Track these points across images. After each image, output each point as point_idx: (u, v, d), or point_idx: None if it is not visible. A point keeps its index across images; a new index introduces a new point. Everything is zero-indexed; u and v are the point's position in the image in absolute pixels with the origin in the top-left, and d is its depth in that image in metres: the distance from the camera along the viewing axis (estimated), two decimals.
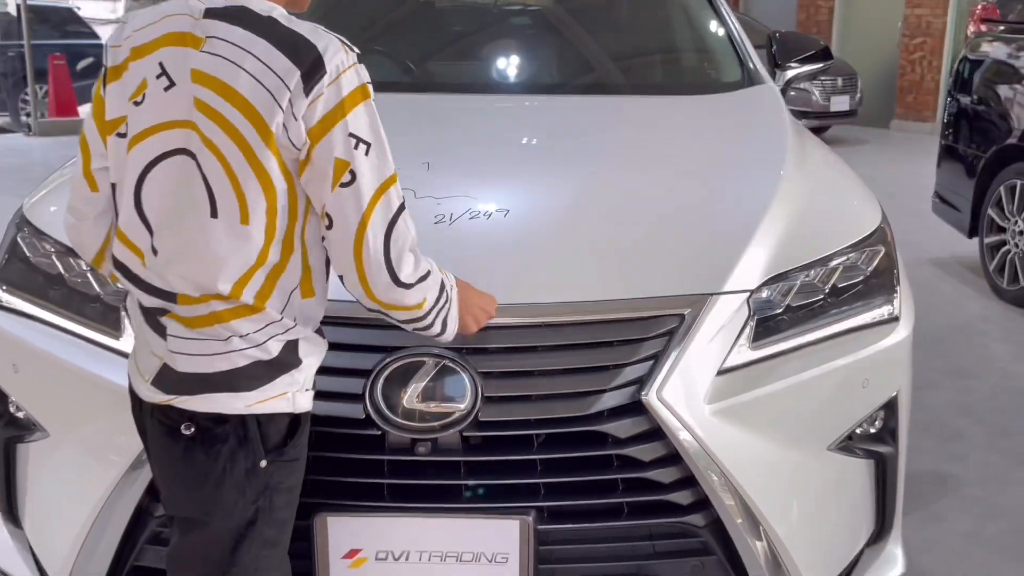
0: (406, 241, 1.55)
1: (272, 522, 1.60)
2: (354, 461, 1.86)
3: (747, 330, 1.98)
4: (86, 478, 2.01)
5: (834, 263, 2.14)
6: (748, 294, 1.99)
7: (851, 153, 11.51)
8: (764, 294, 2.04)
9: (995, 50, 5.98)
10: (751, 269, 2.02)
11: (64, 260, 2.16)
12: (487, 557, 1.86)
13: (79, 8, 16.34)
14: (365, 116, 1.49)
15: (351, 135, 1.47)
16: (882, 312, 2.14)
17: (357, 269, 1.52)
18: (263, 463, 1.56)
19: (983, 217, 5.87)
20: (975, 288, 5.93)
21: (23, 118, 12.41)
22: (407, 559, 1.86)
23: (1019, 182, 5.52)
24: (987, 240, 5.86)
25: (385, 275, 1.52)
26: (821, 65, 3.50)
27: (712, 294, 1.95)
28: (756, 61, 3.20)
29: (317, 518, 1.84)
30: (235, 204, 1.48)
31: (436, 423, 1.82)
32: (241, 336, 1.53)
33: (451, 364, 1.83)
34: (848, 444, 2.11)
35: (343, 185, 1.47)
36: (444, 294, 1.64)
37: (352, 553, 1.86)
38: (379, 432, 1.83)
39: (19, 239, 2.25)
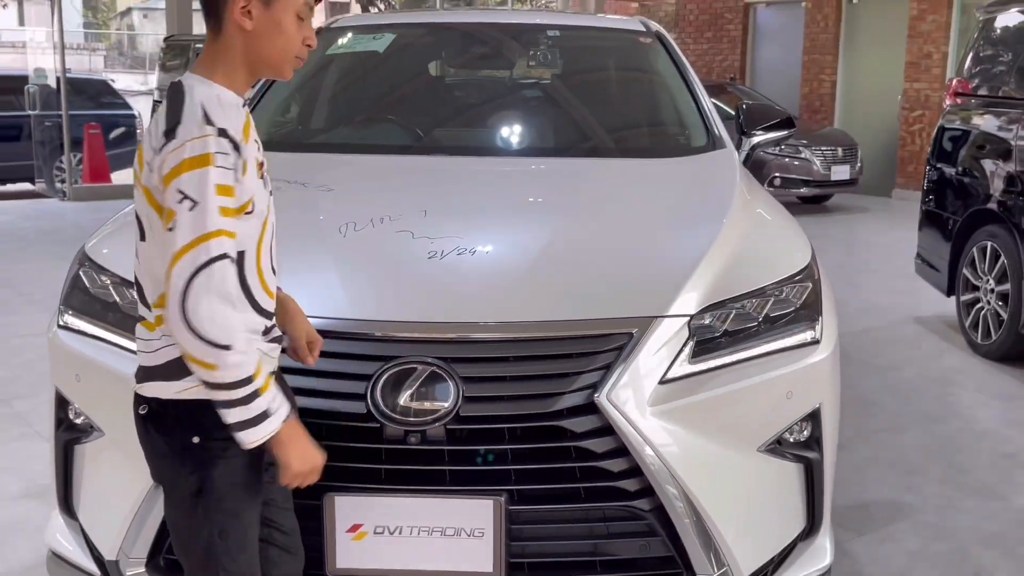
0: (209, 289, 1.74)
1: (221, 493, 1.90)
2: (357, 450, 2.25)
3: (687, 348, 2.37)
4: (133, 470, 2.40)
5: (767, 295, 2.54)
6: (688, 318, 2.39)
7: (852, 220, 11.93)
8: (706, 320, 2.44)
9: (967, 121, 6.41)
10: (691, 298, 2.42)
11: (119, 290, 2.58)
12: (466, 532, 2.23)
13: (113, 80, 17.11)
14: (196, 179, 1.73)
15: (179, 191, 1.76)
16: (805, 336, 2.53)
17: (166, 297, 1.79)
18: (195, 439, 1.89)
19: (959, 276, 6.25)
20: (953, 343, 6.28)
21: (57, 184, 13.00)
22: (400, 533, 2.24)
23: (990, 243, 5.91)
24: (963, 298, 6.22)
25: (177, 311, 1.74)
26: (784, 132, 3.93)
27: (657, 317, 2.35)
28: (721, 129, 3.63)
29: (326, 498, 2.22)
30: (151, 231, 1.87)
31: (425, 418, 2.21)
32: (167, 335, 1.85)
33: (438, 371, 2.23)
34: (778, 448, 2.48)
35: (170, 229, 1.78)
36: (258, 406, 1.80)
37: (355, 528, 2.25)
38: (377, 425, 2.22)
39: (81, 273, 2.69)
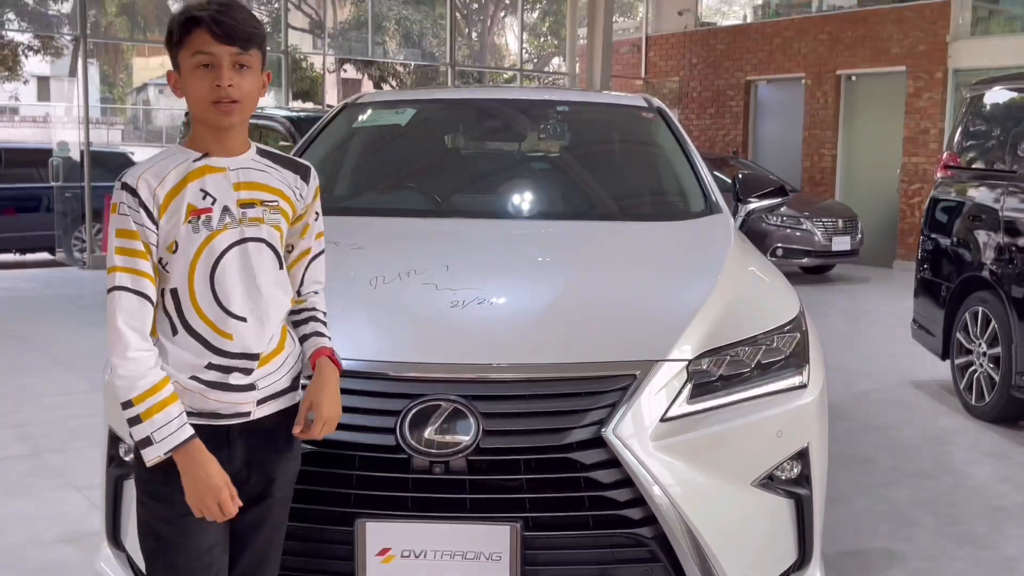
0: (114, 312, 2.04)
1: (149, 502, 2.16)
2: (387, 479, 2.48)
3: (686, 390, 2.61)
4: None
5: (759, 343, 2.79)
6: (687, 363, 2.64)
7: (854, 290, 12.20)
8: (703, 365, 2.69)
9: (957, 193, 6.70)
10: (689, 344, 2.67)
11: None
12: (485, 555, 2.45)
13: (132, 153, 17.60)
14: (112, 223, 2.08)
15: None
16: (793, 381, 2.78)
17: None
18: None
19: (953, 341, 6.48)
20: (949, 405, 6.49)
21: (76, 254, 13.38)
22: (425, 556, 2.46)
23: (981, 308, 6.15)
24: (957, 361, 6.45)
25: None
26: (777, 200, 4.21)
27: (658, 361, 2.60)
28: (717, 196, 3.92)
29: (357, 524, 2.45)
30: None
31: (448, 450, 2.45)
32: None
33: (460, 407, 2.47)
34: (770, 483, 2.70)
35: None
36: (139, 431, 2.05)
37: (384, 551, 2.47)
38: (406, 457, 2.46)
39: None
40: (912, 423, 6.10)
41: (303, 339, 2.31)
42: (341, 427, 2.45)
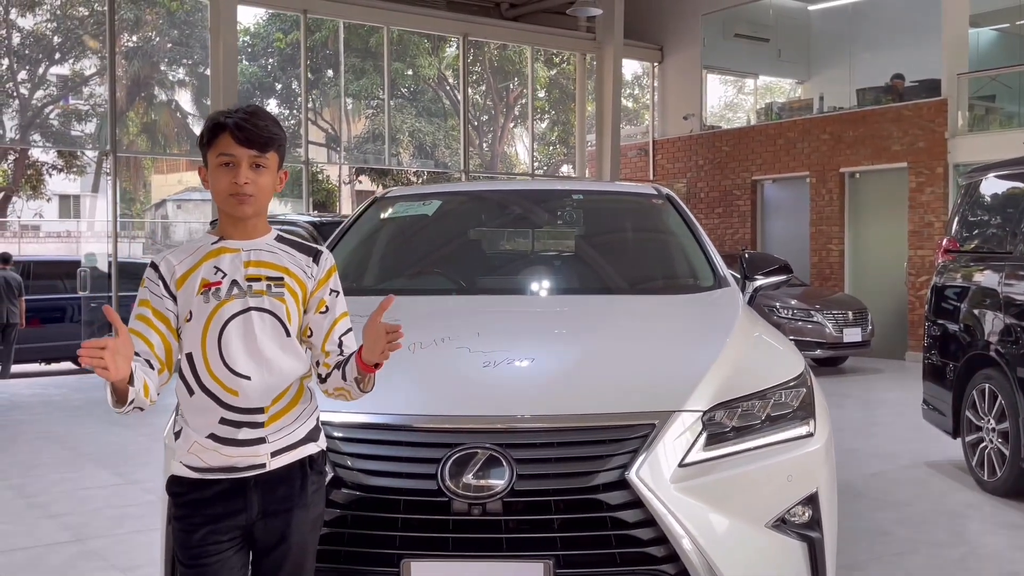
0: None
1: (177, 545, 2.43)
2: (429, 521, 2.70)
3: (701, 438, 2.85)
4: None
5: (767, 397, 3.03)
6: (701, 413, 2.88)
7: (867, 381, 12.36)
8: (717, 416, 2.92)
9: (958, 276, 6.96)
10: (703, 397, 2.92)
11: None
12: None
13: None
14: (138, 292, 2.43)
15: None
16: (800, 431, 3.02)
17: None
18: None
19: (962, 419, 6.65)
20: (962, 482, 6.63)
21: None
22: None
23: (987, 385, 6.35)
24: (967, 439, 6.61)
25: None
26: (783, 277, 4.48)
27: (675, 411, 2.84)
28: (725, 272, 4.20)
29: (403, 564, 2.67)
30: None
31: (485, 494, 2.68)
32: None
33: (496, 454, 2.71)
34: (783, 526, 2.91)
35: None
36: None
37: None
38: (446, 500, 2.69)
39: None
40: (926, 499, 6.23)
41: (344, 363, 2.48)
42: (387, 474, 2.70)
